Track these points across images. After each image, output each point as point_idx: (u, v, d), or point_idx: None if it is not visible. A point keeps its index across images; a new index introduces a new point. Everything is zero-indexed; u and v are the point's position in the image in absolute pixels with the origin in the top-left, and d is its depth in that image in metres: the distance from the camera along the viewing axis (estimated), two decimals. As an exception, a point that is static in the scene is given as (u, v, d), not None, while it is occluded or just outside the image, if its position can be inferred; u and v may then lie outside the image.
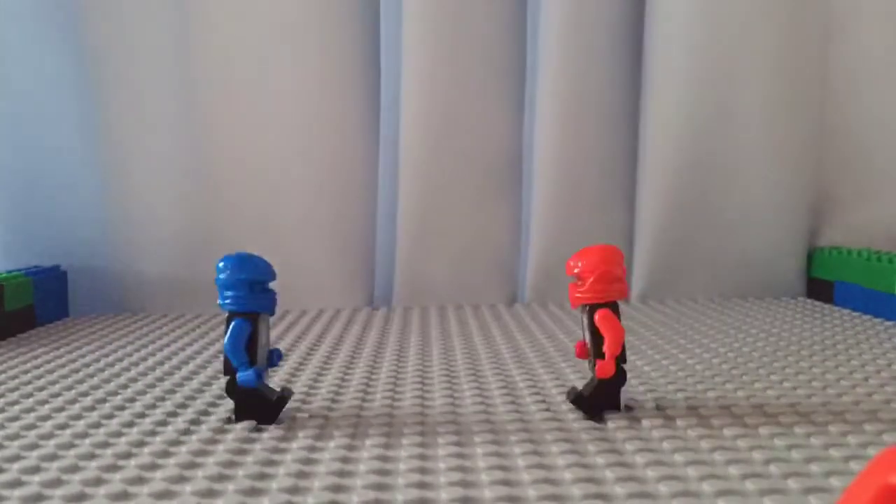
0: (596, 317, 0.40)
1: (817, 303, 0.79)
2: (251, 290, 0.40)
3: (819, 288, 0.80)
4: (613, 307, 0.40)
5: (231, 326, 0.40)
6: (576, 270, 0.41)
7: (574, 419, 0.41)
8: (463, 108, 0.79)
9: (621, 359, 0.41)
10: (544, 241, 0.79)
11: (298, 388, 0.49)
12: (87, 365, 0.56)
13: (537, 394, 0.46)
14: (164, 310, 0.79)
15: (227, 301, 0.40)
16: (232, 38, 0.77)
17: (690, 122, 0.78)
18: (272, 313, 0.42)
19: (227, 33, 0.77)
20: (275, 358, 0.42)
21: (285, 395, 0.43)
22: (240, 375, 0.40)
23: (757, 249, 0.81)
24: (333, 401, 0.46)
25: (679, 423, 0.40)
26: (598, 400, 0.42)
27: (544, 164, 0.78)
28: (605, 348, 0.40)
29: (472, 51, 0.78)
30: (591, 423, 0.41)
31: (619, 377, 0.41)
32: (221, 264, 0.40)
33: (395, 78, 0.78)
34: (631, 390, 0.47)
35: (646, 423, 0.41)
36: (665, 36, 0.76)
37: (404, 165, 0.78)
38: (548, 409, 0.43)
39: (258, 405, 0.41)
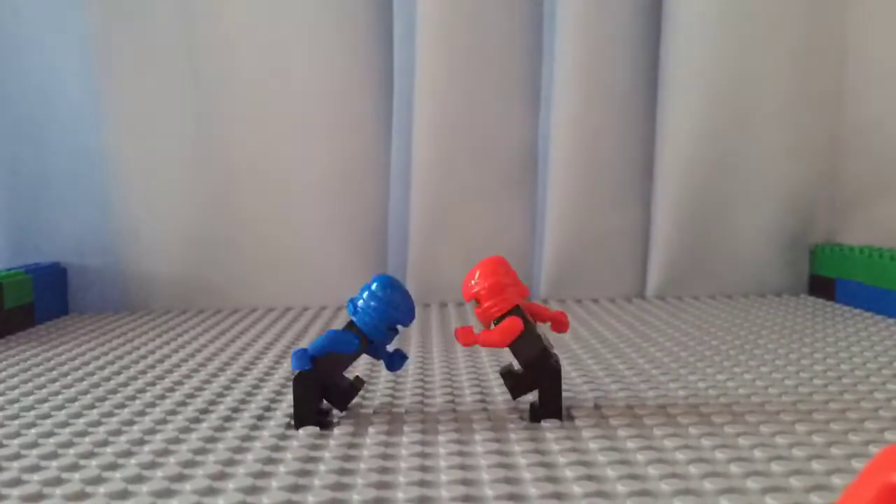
0: (503, 322, 0.40)
1: (819, 300, 0.79)
2: (389, 325, 0.40)
3: (820, 285, 0.80)
4: (517, 311, 0.40)
5: (343, 333, 0.40)
6: (475, 290, 0.41)
7: (575, 416, 0.41)
8: (477, 105, 0.78)
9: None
10: (559, 238, 0.79)
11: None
12: (87, 363, 0.56)
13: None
14: (165, 307, 0.79)
15: (365, 318, 0.40)
16: (242, 34, 0.77)
17: (707, 119, 0.77)
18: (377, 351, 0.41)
19: (238, 29, 0.76)
20: (397, 359, 0.42)
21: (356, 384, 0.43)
22: (295, 352, 0.40)
23: (759, 247, 0.81)
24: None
25: (681, 420, 0.40)
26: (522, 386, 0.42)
27: (560, 162, 0.78)
28: (481, 336, 0.40)
29: (487, 48, 0.77)
30: (590, 422, 0.41)
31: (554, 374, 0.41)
32: (389, 291, 0.40)
33: (409, 74, 0.77)
34: (633, 388, 0.47)
35: (648, 420, 0.41)
36: (683, 34, 0.76)
37: (417, 162, 0.78)
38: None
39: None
